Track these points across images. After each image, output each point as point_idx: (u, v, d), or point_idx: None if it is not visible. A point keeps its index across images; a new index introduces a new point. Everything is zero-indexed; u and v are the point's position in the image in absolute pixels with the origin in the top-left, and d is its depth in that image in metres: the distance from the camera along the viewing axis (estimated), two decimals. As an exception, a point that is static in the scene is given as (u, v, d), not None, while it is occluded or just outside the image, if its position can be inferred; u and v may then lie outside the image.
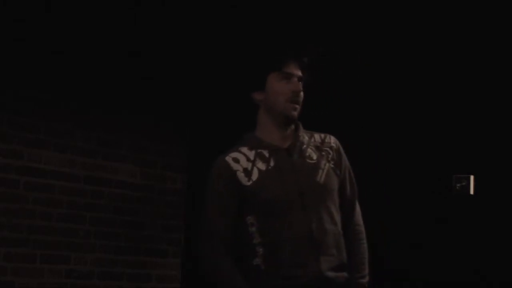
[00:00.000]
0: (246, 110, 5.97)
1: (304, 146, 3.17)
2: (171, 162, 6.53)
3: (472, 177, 5.89)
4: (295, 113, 3.14)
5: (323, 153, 3.19)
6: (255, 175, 3.08)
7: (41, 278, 5.68)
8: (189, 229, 6.55)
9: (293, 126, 3.18)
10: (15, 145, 5.59)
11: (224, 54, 6.19)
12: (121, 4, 5.82)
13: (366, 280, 3.22)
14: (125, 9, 5.87)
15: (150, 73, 6.37)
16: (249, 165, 3.10)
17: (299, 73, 3.14)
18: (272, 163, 3.10)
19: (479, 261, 5.78)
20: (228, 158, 3.12)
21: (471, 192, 5.88)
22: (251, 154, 3.12)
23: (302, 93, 3.15)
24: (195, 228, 6.48)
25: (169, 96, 6.51)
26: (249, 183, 3.07)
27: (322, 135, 3.25)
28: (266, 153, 3.12)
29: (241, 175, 3.08)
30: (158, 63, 6.38)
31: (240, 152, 3.14)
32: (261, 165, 3.10)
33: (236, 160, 3.11)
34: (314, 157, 3.16)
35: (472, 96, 5.86)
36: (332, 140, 3.25)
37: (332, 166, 3.19)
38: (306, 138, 3.20)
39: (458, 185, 5.90)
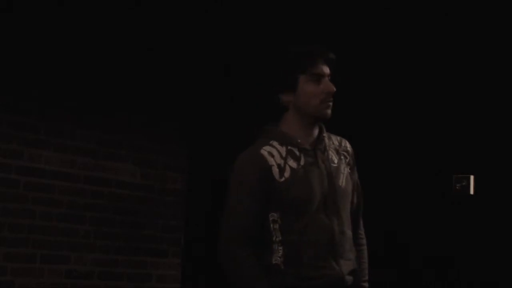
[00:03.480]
0: (246, 110, 5.98)
1: (327, 148, 3.17)
2: (171, 162, 6.53)
3: (472, 177, 5.89)
4: (329, 112, 3.12)
5: (342, 157, 3.21)
6: (287, 173, 3.06)
7: (41, 278, 5.68)
8: (189, 229, 6.55)
9: (317, 128, 3.17)
10: (15, 145, 5.59)
11: (234, 58, 6.19)
12: (122, 4, 5.82)
13: (367, 285, 3.25)
14: (126, 9, 5.87)
15: (150, 74, 6.37)
16: (282, 162, 3.07)
17: (328, 70, 3.12)
18: (302, 163, 3.09)
19: (479, 261, 5.78)
20: (264, 152, 3.08)
21: (471, 192, 5.88)
22: (283, 151, 3.10)
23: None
24: (195, 228, 6.50)
25: (170, 96, 6.51)
26: (281, 180, 3.04)
27: (339, 138, 3.26)
28: (296, 152, 3.11)
29: (276, 171, 3.05)
30: (159, 63, 6.38)
31: (273, 146, 3.10)
32: (292, 163, 3.08)
33: (271, 155, 3.08)
34: (335, 160, 3.17)
35: (472, 96, 5.86)
36: (348, 145, 3.26)
37: (349, 171, 3.21)
38: (327, 140, 3.20)
39: (458, 185, 5.90)
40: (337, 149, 3.21)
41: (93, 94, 6.05)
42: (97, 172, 6.04)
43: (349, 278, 3.10)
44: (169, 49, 6.35)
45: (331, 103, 3.12)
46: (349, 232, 3.13)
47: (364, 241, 3.29)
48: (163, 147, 6.49)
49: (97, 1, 5.79)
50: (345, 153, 3.23)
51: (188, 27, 6.13)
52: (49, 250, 5.73)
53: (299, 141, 3.12)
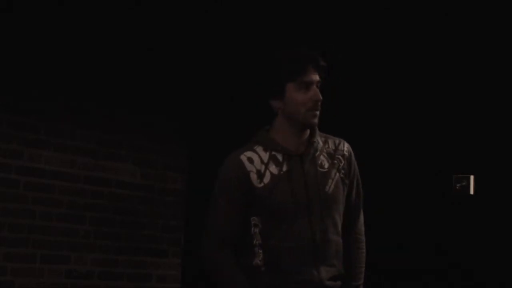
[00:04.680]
0: (246, 111, 5.97)
1: (317, 153, 3.15)
2: (171, 162, 6.53)
3: (472, 177, 5.89)
4: (316, 120, 3.11)
5: (335, 161, 3.17)
6: (267, 178, 3.07)
7: (41, 278, 5.68)
8: (189, 229, 6.55)
9: (308, 131, 3.15)
10: (15, 145, 5.60)
11: (233, 58, 6.19)
12: (122, 4, 5.82)
13: None
14: (126, 9, 5.87)
15: (150, 73, 6.37)
16: (262, 167, 3.08)
17: (317, 77, 3.09)
18: (284, 168, 3.08)
19: (479, 261, 5.78)
20: (243, 157, 3.09)
21: (471, 192, 5.88)
22: (265, 156, 3.10)
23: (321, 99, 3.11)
24: (195, 228, 6.49)
25: (170, 96, 6.52)
26: (260, 185, 3.06)
27: (337, 141, 3.22)
28: (280, 157, 3.10)
29: (254, 176, 3.06)
30: (159, 63, 6.38)
31: (255, 151, 3.11)
32: (273, 169, 3.08)
33: (251, 160, 3.09)
34: (326, 165, 3.15)
35: (472, 96, 5.86)
36: (345, 148, 3.22)
37: (342, 176, 3.17)
38: (320, 143, 3.17)
39: (458, 185, 5.90)
40: (331, 153, 3.18)
41: (93, 94, 6.05)
42: (97, 172, 6.05)
43: (331, 284, 3.10)
44: (169, 49, 6.35)
45: (317, 112, 3.09)
46: (335, 238, 3.12)
47: (362, 245, 3.26)
48: (163, 147, 6.50)
49: (97, 1, 5.79)
50: (340, 157, 3.19)
51: (188, 27, 6.13)
52: (49, 250, 5.73)
53: (284, 147, 3.10)
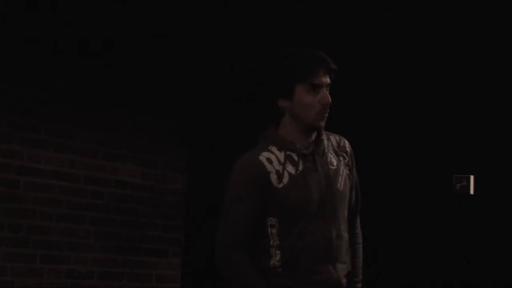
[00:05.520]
0: (246, 111, 5.97)
1: (326, 151, 3.16)
2: (171, 162, 6.53)
3: (472, 177, 5.89)
4: (323, 124, 3.11)
5: (341, 158, 3.19)
6: (286, 179, 3.06)
7: (41, 278, 5.68)
8: (189, 229, 6.55)
9: (315, 131, 3.15)
10: (15, 145, 5.60)
11: (233, 58, 6.19)
12: (122, 4, 5.82)
13: (360, 285, 3.25)
14: (126, 9, 5.87)
15: (150, 74, 6.37)
16: (280, 168, 3.06)
17: (328, 80, 3.08)
18: (300, 168, 3.08)
19: (479, 261, 5.78)
20: (262, 158, 3.07)
21: (471, 192, 5.88)
22: (281, 156, 3.09)
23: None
24: (195, 228, 6.50)
25: (169, 96, 6.52)
26: (280, 186, 3.04)
27: (337, 138, 3.24)
28: (295, 157, 3.09)
29: (274, 177, 3.05)
30: (158, 63, 6.38)
31: (271, 152, 3.09)
32: (290, 169, 3.07)
33: (270, 161, 3.07)
34: (334, 162, 3.15)
35: (472, 96, 5.87)
36: (347, 145, 3.24)
37: (348, 172, 3.19)
38: (325, 141, 3.18)
39: (458, 185, 5.90)
40: (336, 150, 3.19)
41: (93, 94, 6.05)
42: (97, 172, 6.05)
43: (344, 281, 3.12)
44: (169, 49, 6.34)
45: (326, 115, 3.09)
46: (345, 235, 3.13)
47: (360, 240, 3.28)
48: (163, 147, 6.49)
49: (97, 1, 5.79)
50: (344, 154, 3.21)
51: (188, 27, 6.13)
52: (49, 250, 5.73)
53: (297, 146, 3.10)
